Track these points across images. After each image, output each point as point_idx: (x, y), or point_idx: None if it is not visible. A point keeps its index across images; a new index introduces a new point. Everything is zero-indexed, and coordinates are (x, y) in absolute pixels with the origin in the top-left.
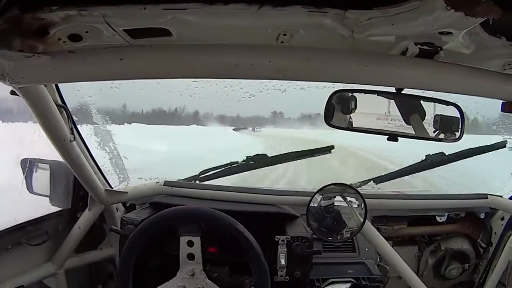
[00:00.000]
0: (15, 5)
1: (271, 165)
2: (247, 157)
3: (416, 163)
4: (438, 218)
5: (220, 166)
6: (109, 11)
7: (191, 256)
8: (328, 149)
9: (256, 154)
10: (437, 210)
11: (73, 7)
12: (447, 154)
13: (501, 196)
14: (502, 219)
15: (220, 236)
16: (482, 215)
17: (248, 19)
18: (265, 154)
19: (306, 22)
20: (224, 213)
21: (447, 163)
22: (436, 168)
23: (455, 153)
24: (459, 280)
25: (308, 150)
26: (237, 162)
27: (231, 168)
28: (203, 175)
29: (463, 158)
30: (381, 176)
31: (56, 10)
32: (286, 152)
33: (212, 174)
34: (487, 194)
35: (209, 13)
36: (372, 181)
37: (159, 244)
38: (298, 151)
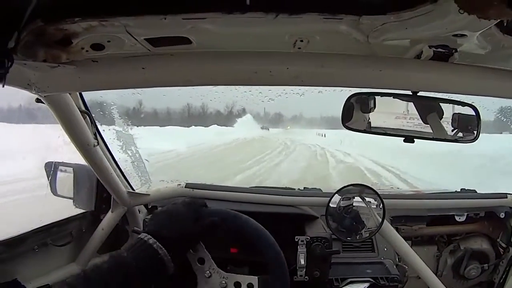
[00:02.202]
0: (39, 17)
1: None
2: (304, 187)
3: (452, 192)
4: (457, 218)
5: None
6: (130, 21)
7: (201, 260)
8: None
9: (313, 188)
10: (456, 209)
11: (95, 18)
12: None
13: None
14: None
15: (241, 236)
16: (502, 215)
17: (265, 27)
18: (320, 189)
19: (322, 28)
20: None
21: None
22: None
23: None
24: (478, 281)
25: None
26: (293, 188)
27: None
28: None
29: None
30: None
31: (78, 21)
32: None
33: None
34: (507, 193)
35: (228, 22)
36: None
37: None
38: None
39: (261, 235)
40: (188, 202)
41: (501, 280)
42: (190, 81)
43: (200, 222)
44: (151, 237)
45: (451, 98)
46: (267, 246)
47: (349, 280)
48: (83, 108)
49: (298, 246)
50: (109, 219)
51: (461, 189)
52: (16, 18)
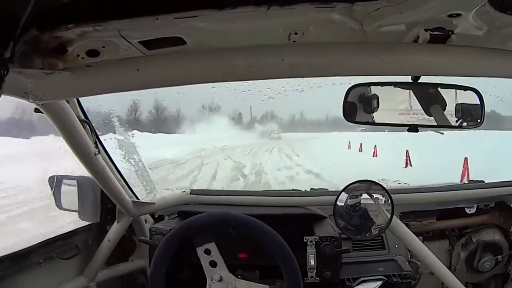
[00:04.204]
0: (33, 26)
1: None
2: (311, 188)
3: (460, 184)
4: (467, 210)
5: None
6: (123, 24)
7: (213, 263)
8: None
9: (320, 188)
10: (466, 201)
11: (88, 23)
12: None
13: None
14: None
15: (249, 240)
16: None
17: (258, 20)
18: (327, 189)
19: (315, 18)
20: (240, 214)
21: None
22: None
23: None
24: (493, 273)
25: None
26: (300, 190)
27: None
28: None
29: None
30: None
31: (72, 27)
32: None
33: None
34: None
35: (220, 18)
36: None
37: (185, 254)
38: None
39: (272, 239)
40: None
41: None
42: (185, 80)
43: None
44: None
45: (453, 84)
46: (280, 250)
47: (361, 279)
48: (83, 117)
49: (308, 247)
50: (115, 230)
51: (469, 181)
52: (11, 28)
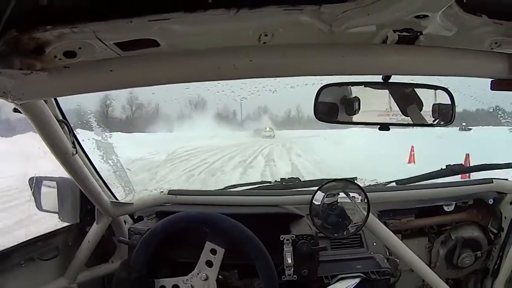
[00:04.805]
0: (13, 27)
1: (304, 187)
2: (281, 178)
3: (437, 170)
4: (445, 208)
5: (251, 183)
6: (99, 26)
7: (209, 263)
8: None
9: (291, 177)
10: (444, 199)
11: (65, 25)
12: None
13: (507, 180)
14: (511, 203)
15: (228, 240)
16: (491, 201)
17: (228, 23)
18: (298, 178)
19: (284, 20)
20: (234, 220)
21: (466, 172)
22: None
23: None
24: (473, 269)
25: None
26: (270, 182)
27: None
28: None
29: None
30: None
31: (50, 29)
32: None
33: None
34: (492, 178)
35: (192, 21)
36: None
37: (165, 252)
38: None
39: (247, 239)
40: None
41: (495, 267)
42: (156, 81)
43: None
44: None
45: (424, 83)
46: (254, 249)
47: (339, 276)
48: (60, 117)
49: (284, 245)
50: (94, 231)
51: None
52: None
